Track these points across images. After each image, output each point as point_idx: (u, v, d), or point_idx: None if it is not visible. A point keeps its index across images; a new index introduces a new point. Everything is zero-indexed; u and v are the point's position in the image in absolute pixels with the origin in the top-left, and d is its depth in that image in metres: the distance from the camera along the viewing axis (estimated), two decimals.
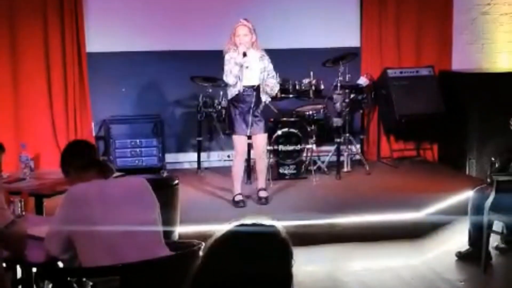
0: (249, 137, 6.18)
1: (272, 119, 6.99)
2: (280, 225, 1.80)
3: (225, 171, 7.19)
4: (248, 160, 6.66)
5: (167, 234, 3.62)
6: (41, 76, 7.32)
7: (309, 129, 7.19)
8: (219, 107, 7.11)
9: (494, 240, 5.40)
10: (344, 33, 8.07)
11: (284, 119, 7.13)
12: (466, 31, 8.25)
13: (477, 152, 7.42)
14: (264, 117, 6.18)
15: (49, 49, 7.30)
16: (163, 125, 7.53)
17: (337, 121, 7.18)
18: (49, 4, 7.26)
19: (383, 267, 5.26)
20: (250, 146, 6.40)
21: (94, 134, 7.53)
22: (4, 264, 3.35)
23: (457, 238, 5.64)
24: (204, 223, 5.25)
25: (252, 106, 6.00)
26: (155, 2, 7.73)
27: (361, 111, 7.90)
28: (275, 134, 6.96)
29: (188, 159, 7.88)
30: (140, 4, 7.70)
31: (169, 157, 7.67)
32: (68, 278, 3.32)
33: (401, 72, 7.81)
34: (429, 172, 7.53)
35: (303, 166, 7.21)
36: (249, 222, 1.78)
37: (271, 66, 6.12)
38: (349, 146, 7.55)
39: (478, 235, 5.12)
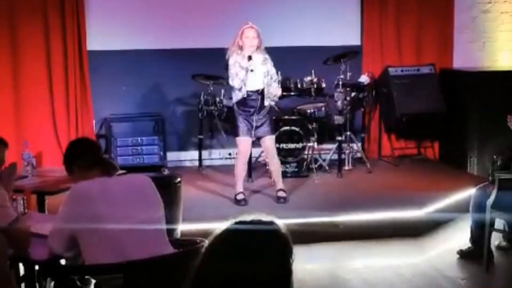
0: (258, 139, 6.22)
1: (273, 117, 6.98)
2: (280, 222, 1.79)
3: (226, 169, 7.21)
4: (249, 161, 6.66)
5: (170, 232, 3.62)
6: (42, 74, 7.33)
7: (310, 127, 7.20)
8: (221, 105, 7.12)
9: (496, 238, 5.40)
10: (345, 31, 8.07)
11: (286, 117, 7.15)
12: (467, 30, 8.25)
13: (478, 150, 7.42)
14: (269, 119, 6.18)
15: (50, 48, 7.31)
16: (164, 123, 7.54)
17: (338, 119, 7.19)
18: (49, 3, 7.26)
19: (384, 265, 5.27)
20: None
21: (95, 132, 7.53)
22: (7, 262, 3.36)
23: (459, 236, 5.65)
24: (205, 221, 5.26)
25: (257, 109, 6.03)
26: (156, 0, 7.72)
27: (362, 109, 7.90)
28: (277, 132, 6.95)
29: (189, 157, 7.89)
30: (141, 2, 7.70)
31: (170, 155, 7.68)
32: (71, 276, 3.33)
33: (402, 71, 7.82)
34: (430, 170, 7.54)
35: (304, 164, 7.22)
36: (248, 219, 1.77)
37: (273, 70, 6.14)
38: (350, 144, 7.56)
39: (480, 233, 5.12)
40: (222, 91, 7.10)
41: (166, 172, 7.22)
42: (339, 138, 7.22)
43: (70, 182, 3.46)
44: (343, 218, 5.79)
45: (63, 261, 3.44)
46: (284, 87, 6.96)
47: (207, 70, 7.26)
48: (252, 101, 6.05)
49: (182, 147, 7.92)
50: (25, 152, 4.94)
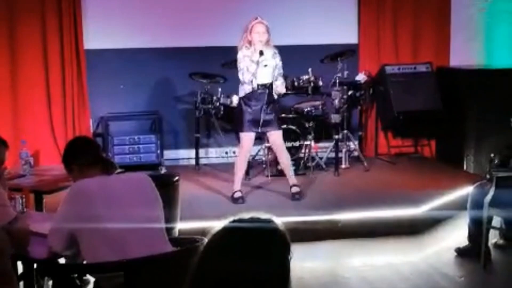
0: (263, 134, 6.20)
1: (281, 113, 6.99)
2: (278, 220, 1.79)
3: (223, 168, 7.21)
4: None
5: (168, 231, 3.61)
6: (39, 73, 7.32)
7: (307, 125, 7.20)
8: (217, 103, 7.12)
9: (493, 236, 5.42)
10: (342, 29, 8.08)
11: (283, 115, 7.13)
12: (464, 28, 8.25)
13: (474, 149, 7.44)
14: (276, 114, 6.17)
15: (47, 47, 7.30)
16: (161, 121, 7.53)
17: (335, 118, 7.19)
18: (47, 1, 7.25)
19: (382, 263, 5.27)
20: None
21: (92, 130, 7.53)
22: None
23: (456, 234, 5.66)
24: (203, 219, 5.25)
25: (264, 103, 6.00)
26: None
27: (359, 107, 7.91)
28: None
29: (186, 155, 7.89)
30: (138, 1, 7.69)
31: (167, 154, 7.67)
32: (71, 275, 3.32)
33: (399, 69, 7.83)
34: (427, 168, 7.55)
35: (301, 163, 7.22)
36: (246, 217, 1.77)
37: (280, 63, 6.13)
38: (347, 143, 7.57)
39: (477, 231, 5.13)
40: (219, 89, 7.09)
41: (163, 170, 7.22)
42: (336, 136, 7.22)
43: (68, 180, 3.46)
44: (340, 217, 5.79)
45: (62, 260, 3.44)
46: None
47: (204, 69, 7.26)
48: (261, 95, 6.00)
49: (179, 146, 7.91)
50: (23, 151, 4.93)
